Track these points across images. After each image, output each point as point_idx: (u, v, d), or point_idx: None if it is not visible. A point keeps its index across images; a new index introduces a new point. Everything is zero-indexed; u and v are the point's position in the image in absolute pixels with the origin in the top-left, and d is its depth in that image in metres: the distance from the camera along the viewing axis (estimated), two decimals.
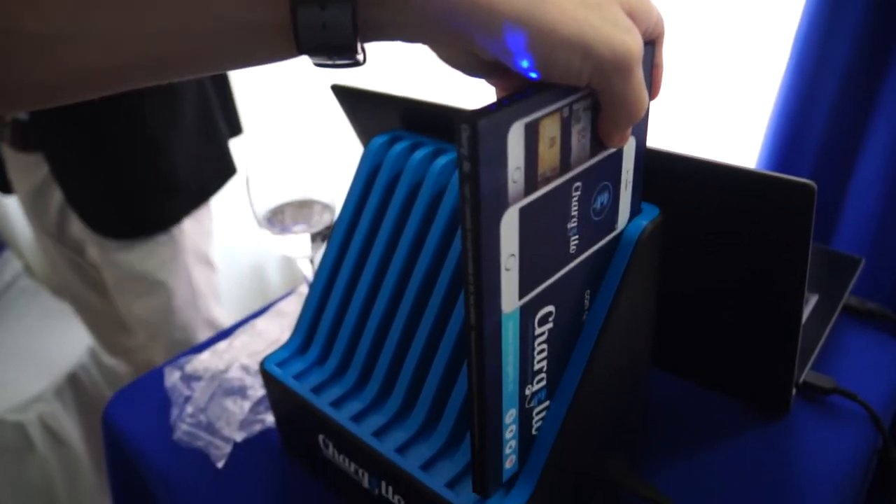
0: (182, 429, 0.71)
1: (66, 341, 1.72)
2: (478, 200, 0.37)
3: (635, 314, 0.53)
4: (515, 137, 0.38)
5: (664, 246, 0.53)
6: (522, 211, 0.40)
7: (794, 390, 0.68)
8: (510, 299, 0.43)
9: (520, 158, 0.39)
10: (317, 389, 0.63)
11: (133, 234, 1.22)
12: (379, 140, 0.67)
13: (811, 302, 0.78)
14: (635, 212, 0.51)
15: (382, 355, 0.61)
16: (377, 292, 0.63)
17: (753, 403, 0.71)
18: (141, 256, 1.24)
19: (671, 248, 0.55)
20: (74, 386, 1.71)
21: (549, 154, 0.41)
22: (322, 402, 0.61)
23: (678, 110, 1.37)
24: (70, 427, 1.67)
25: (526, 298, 0.44)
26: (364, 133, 0.76)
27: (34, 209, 1.27)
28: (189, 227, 1.28)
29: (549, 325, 0.47)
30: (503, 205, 0.39)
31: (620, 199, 0.49)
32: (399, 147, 0.65)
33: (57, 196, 1.22)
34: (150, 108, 1.15)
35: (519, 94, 0.38)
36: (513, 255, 0.41)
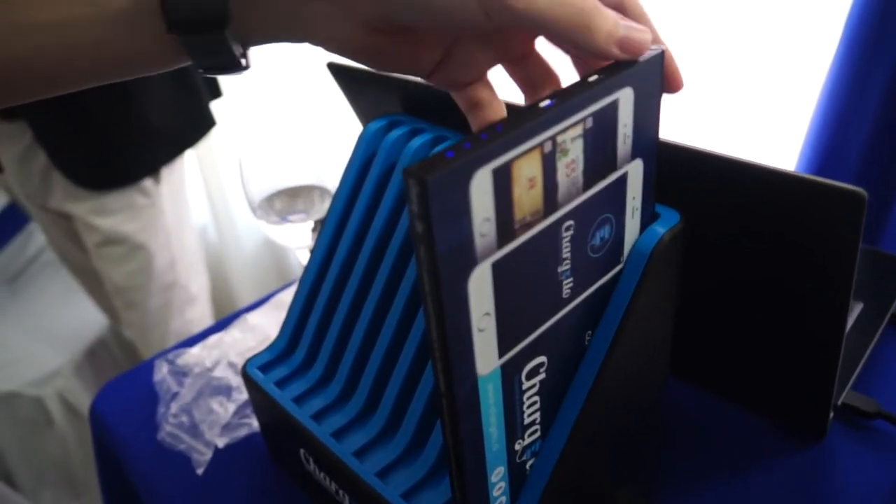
0: (166, 429, 0.67)
1: (86, 316, 1.72)
2: (435, 264, 0.31)
3: (647, 337, 0.47)
4: (481, 186, 0.31)
5: (685, 255, 0.45)
6: (497, 266, 0.34)
7: (831, 413, 0.61)
8: (487, 360, 0.36)
9: (488, 209, 0.32)
10: (299, 399, 0.58)
11: (113, 184, 1.22)
12: (374, 125, 0.60)
13: (854, 311, 0.69)
14: (648, 219, 0.43)
15: (369, 365, 0.56)
16: (366, 294, 0.57)
17: (786, 424, 0.64)
18: (122, 219, 1.25)
19: (694, 252, 0.47)
20: (93, 361, 1.71)
21: (528, 197, 0.34)
22: (303, 415, 0.56)
23: (713, 108, 1.28)
24: (88, 402, 1.67)
25: (508, 356, 0.38)
26: (364, 114, 0.70)
27: (19, 177, 1.28)
28: (168, 190, 1.30)
29: (541, 377, 0.41)
30: (470, 262, 0.32)
31: (626, 228, 0.41)
32: (396, 134, 0.58)
33: (40, 161, 1.22)
34: None
35: (484, 134, 0.31)
36: (487, 314, 0.35)
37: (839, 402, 0.63)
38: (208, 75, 0.40)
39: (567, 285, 0.39)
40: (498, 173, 0.31)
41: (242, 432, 0.66)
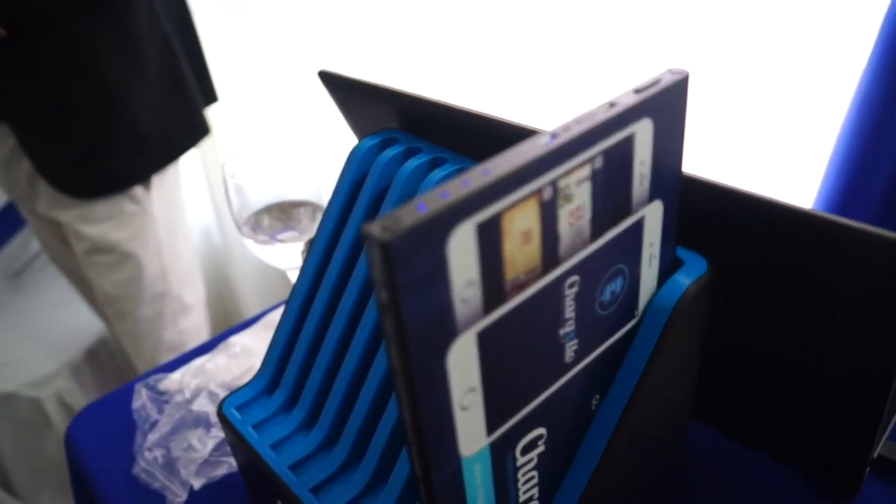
0: (141, 464, 0.62)
1: (87, 317, 1.67)
2: (403, 339, 0.25)
3: (666, 397, 0.41)
4: (461, 245, 0.25)
5: (711, 306, 0.39)
6: (483, 335, 0.28)
7: (867, 467, 0.54)
8: (473, 440, 0.31)
9: (472, 270, 0.26)
10: (278, 445, 0.53)
11: (99, 192, 1.17)
12: (367, 143, 0.55)
13: None
14: (668, 267, 0.37)
15: (356, 410, 0.50)
16: (354, 332, 0.52)
17: (816, 478, 0.57)
18: (111, 227, 1.21)
19: (719, 296, 0.41)
20: (93, 363, 1.67)
21: (522, 253, 0.28)
22: (281, 464, 0.51)
23: (728, 140, 1.22)
24: (86, 404, 1.64)
25: (499, 432, 0.32)
26: (358, 127, 0.64)
27: (5, 181, 1.23)
28: (159, 197, 1.24)
29: (540, 450, 0.35)
30: (448, 334, 0.27)
31: (642, 279, 0.36)
32: (390, 154, 0.53)
33: (25, 166, 1.17)
34: (108, 60, 1.10)
35: (467, 180, 0.25)
36: (472, 389, 0.29)
37: (875, 455, 0.57)
38: None
39: (571, 348, 0.33)
40: (484, 228, 0.26)
41: (221, 471, 0.61)
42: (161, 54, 1.18)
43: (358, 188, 0.54)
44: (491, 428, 0.31)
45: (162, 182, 1.24)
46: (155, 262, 1.27)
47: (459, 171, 0.49)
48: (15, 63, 1.04)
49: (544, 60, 1.37)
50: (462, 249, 0.25)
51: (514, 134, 0.46)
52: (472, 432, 0.30)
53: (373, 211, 0.52)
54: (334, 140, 1.48)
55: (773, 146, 1.24)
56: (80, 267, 1.31)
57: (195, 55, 1.29)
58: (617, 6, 1.27)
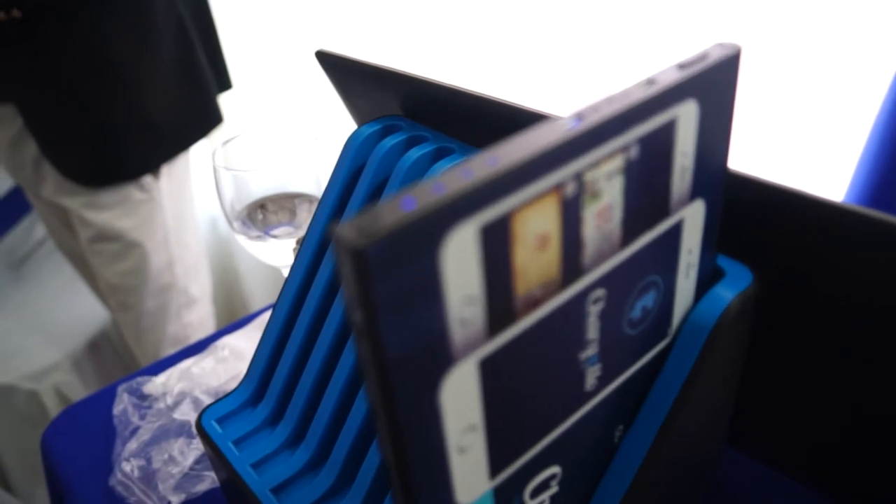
0: (118, 476, 0.57)
1: (90, 307, 1.63)
2: (383, 369, 0.20)
3: (701, 427, 0.35)
4: (461, 252, 0.20)
5: (755, 322, 0.34)
6: (487, 363, 0.23)
7: None
8: (472, 486, 0.25)
9: (473, 283, 0.21)
10: (260, 464, 0.48)
11: (108, 180, 1.13)
12: (366, 130, 0.50)
13: None
14: (707, 278, 0.32)
15: (346, 428, 0.45)
16: (346, 340, 0.46)
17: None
18: (118, 214, 1.16)
19: (759, 309, 0.36)
20: (94, 355, 1.62)
21: (537, 262, 0.22)
22: (262, 487, 0.46)
23: (757, 130, 1.16)
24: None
25: (504, 475, 0.27)
26: (358, 113, 0.58)
27: (11, 164, 1.19)
28: (167, 186, 1.20)
29: (553, 491, 0.30)
30: (442, 363, 0.21)
31: (677, 292, 0.30)
32: (391, 142, 0.47)
33: (31, 149, 1.12)
34: (121, 46, 1.06)
35: (468, 170, 0.19)
36: (472, 427, 0.24)
37: None
38: None
39: (593, 374, 0.28)
40: (489, 232, 0.20)
41: (202, 486, 0.56)
42: (176, 41, 1.14)
43: (355, 179, 0.49)
44: (495, 470, 0.26)
45: (172, 170, 1.19)
46: (161, 253, 1.23)
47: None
48: (25, 44, 1.00)
49: (562, 42, 1.31)
50: (461, 258, 0.20)
51: (530, 121, 0.41)
52: (471, 477, 0.25)
53: (370, 205, 0.47)
54: (336, 128, 1.43)
55: (800, 141, 1.18)
56: (84, 254, 1.27)
57: (210, 41, 1.24)
58: None
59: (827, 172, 1.19)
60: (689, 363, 0.31)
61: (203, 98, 1.20)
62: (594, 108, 0.23)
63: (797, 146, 1.18)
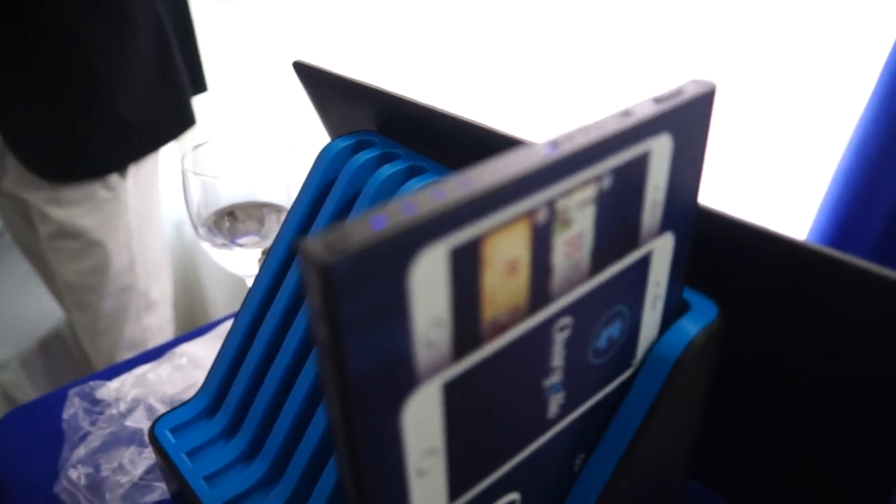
0: (63, 483, 0.56)
1: (43, 307, 1.58)
2: (345, 388, 0.19)
3: (661, 457, 0.35)
4: (429, 274, 0.19)
5: (720, 356, 0.34)
6: (451, 386, 0.22)
7: None
8: None
9: (441, 306, 0.20)
10: (213, 477, 0.47)
11: (71, 176, 1.10)
12: (338, 144, 0.49)
13: None
14: (673, 310, 0.32)
15: (304, 443, 0.44)
16: (308, 355, 0.46)
17: None
18: (80, 211, 1.13)
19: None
20: (45, 356, 1.58)
21: (506, 288, 0.22)
22: (214, 501, 0.45)
23: (718, 168, 1.18)
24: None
25: (462, 501, 0.26)
26: (332, 126, 0.58)
27: None
28: (134, 185, 1.18)
29: None
30: (406, 384, 0.21)
31: (643, 323, 0.30)
32: (363, 157, 0.47)
33: None
34: (98, 42, 1.04)
35: (440, 191, 0.19)
36: (433, 451, 0.23)
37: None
38: None
39: (556, 402, 0.28)
40: (459, 255, 0.20)
41: (151, 497, 0.55)
42: (153, 40, 1.13)
43: (326, 192, 0.48)
44: (453, 496, 0.26)
45: (139, 170, 1.17)
46: (123, 254, 1.20)
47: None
48: None
49: (541, 67, 1.32)
50: (429, 280, 0.20)
51: (504, 145, 0.41)
52: (429, 502, 0.25)
53: (339, 220, 0.47)
54: (307, 139, 1.42)
55: (765, 178, 1.20)
56: (43, 251, 1.24)
57: (188, 42, 1.23)
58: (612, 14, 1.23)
59: (792, 208, 1.21)
60: (652, 394, 0.31)
61: (177, 99, 1.18)
62: (569, 136, 0.23)
63: (762, 182, 1.20)
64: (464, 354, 0.22)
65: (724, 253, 0.35)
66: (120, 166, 1.13)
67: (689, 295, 0.33)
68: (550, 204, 0.22)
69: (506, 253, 0.22)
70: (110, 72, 1.07)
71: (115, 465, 0.56)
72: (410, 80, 1.43)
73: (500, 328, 0.23)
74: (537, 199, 0.22)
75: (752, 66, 1.12)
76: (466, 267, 0.21)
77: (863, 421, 0.42)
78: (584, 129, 0.23)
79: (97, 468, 0.56)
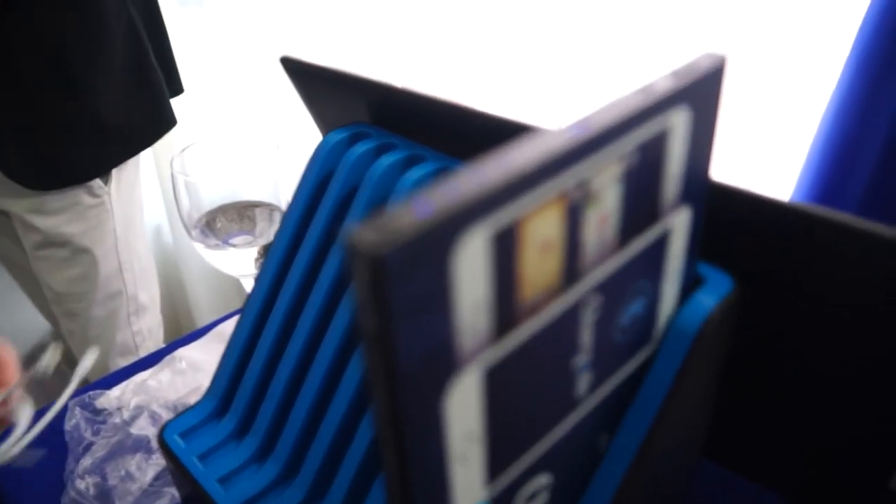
0: (71, 494, 0.55)
1: (27, 319, 1.56)
2: (396, 378, 0.19)
3: (682, 433, 0.35)
4: (471, 256, 0.19)
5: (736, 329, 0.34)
6: (490, 370, 0.22)
7: None
8: (469, 494, 0.25)
9: (481, 289, 0.20)
10: (227, 479, 0.46)
11: (55, 184, 1.09)
12: (334, 137, 0.49)
13: None
14: (688, 285, 0.32)
15: (317, 441, 0.44)
16: (316, 351, 0.46)
17: None
18: (65, 219, 1.12)
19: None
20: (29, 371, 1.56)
21: (541, 268, 0.22)
22: (230, 502, 0.45)
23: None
24: None
25: (499, 484, 0.26)
26: (324, 122, 0.58)
27: None
28: (117, 190, 1.17)
29: (544, 499, 0.30)
30: (448, 370, 0.21)
31: (662, 297, 0.30)
32: (360, 149, 0.47)
33: None
34: (74, 46, 1.03)
35: (481, 175, 0.19)
36: (472, 436, 0.23)
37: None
38: None
39: (584, 382, 0.28)
40: (498, 235, 0.20)
41: (162, 503, 0.54)
42: (127, 43, 1.11)
43: (323, 188, 0.48)
44: (490, 478, 0.26)
45: (121, 175, 1.16)
46: (111, 259, 1.19)
47: (440, 170, 0.43)
48: None
49: (531, 49, 1.32)
50: (471, 262, 0.20)
51: (501, 129, 0.41)
52: (468, 486, 0.25)
53: (339, 213, 0.47)
54: (295, 137, 1.42)
55: (748, 142, 1.21)
56: (28, 262, 1.22)
57: (161, 45, 1.22)
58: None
59: (773, 172, 1.22)
60: (674, 370, 0.31)
61: (155, 101, 1.17)
62: (598, 111, 0.23)
63: (744, 146, 1.21)
64: (502, 337, 0.22)
65: (730, 224, 0.36)
66: (101, 172, 1.12)
67: (703, 269, 0.33)
68: (583, 182, 0.22)
69: (542, 231, 0.22)
70: (87, 77, 1.06)
71: (123, 473, 0.55)
72: (395, 71, 1.42)
73: (535, 309, 0.23)
74: (570, 176, 0.22)
75: (728, 32, 1.13)
76: (505, 249, 0.21)
77: (869, 396, 0.42)
78: (611, 105, 0.23)
79: (104, 477, 0.56)
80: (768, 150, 1.21)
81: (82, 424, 0.61)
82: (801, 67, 1.12)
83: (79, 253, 1.16)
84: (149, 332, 1.32)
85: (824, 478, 0.51)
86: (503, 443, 0.25)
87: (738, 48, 1.13)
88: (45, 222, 1.12)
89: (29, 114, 1.04)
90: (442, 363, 0.21)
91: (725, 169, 1.22)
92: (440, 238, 0.18)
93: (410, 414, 0.20)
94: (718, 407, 0.42)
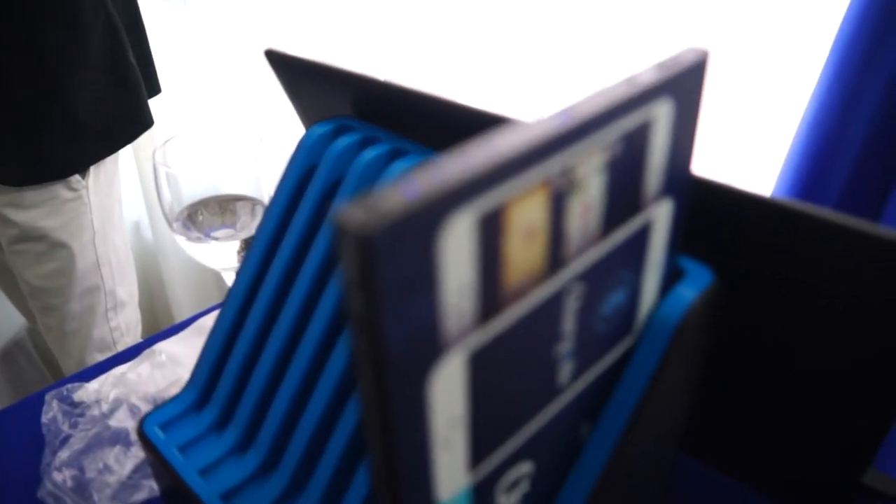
0: (47, 487, 0.55)
1: (2, 313, 1.55)
2: (383, 360, 0.19)
3: (662, 425, 0.36)
4: (457, 239, 0.20)
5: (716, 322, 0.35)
6: (474, 354, 0.22)
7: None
8: (452, 481, 0.25)
9: (466, 272, 0.21)
10: (207, 471, 0.46)
11: (31, 180, 1.09)
12: (317, 130, 0.49)
13: None
14: (669, 277, 0.33)
15: (298, 432, 0.44)
16: (298, 342, 0.46)
17: (792, 502, 0.53)
18: (43, 213, 1.12)
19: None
20: (6, 366, 1.55)
21: (525, 254, 0.23)
22: (211, 493, 0.45)
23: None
24: None
25: (482, 470, 0.27)
26: (307, 115, 0.58)
27: None
28: (95, 185, 1.17)
29: (526, 487, 0.30)
30: (434, 353, 0.21)
31: (644, 290, 0.31)
32: (344, 142, 0.47)
33: None
34: (52, 44, 1.02)
35: (468, 159, 0.19)
36: (457, 420, 0.23)
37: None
38: None
39: (566, 370, 0.28)
40: (484, 219, 0.20)
41: (141, 495, 0.54)
42: (105, 39, 1.11)
43: (306, 181, 0.48)
44: (474, 464, 0.26)
45: (100, 169, 1.16)
46: (88, 254, 1.19)
47: (424, 163, 0.44)
48: None
49: (516, 43, 1.32)
50: (457, 245, 0.20)
51: (485, 123, 0.41)
52: (451, 472, 0.25)
53: (322, 206, 0.47)
54: (279, 130, 1.41)
55: (730, 137, 1.22)
56: (4, 256, 1.21)
57: (140, 44, 1.22)
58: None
59: (754, 169, 1.23)
60: (655, 360, 0.31)
61: (132, 100, 1.17)
62: (581, 102, 0.23)
63: (726, 144, 1.22)
64: (486, 322, 0.23)
65: (710, 219, 0.36)
66: (78, 169, 1.12)
67: (684, 262, 0.34)
68: (568, 169, 0.22)
69: (526, 218, 0.22)
70: (65, 73, 1.05)
71: (101, 465, 0.55)
72: (379, 64, 1.42)
73: (520, 294, 0.23)
74: (556, 164, 0.22)
75: (714, 26, 1.14)
76: (491, 232, 0.21)
77: (847, 391, 0.43)
78: (595, 95, 0.23)
79: (82, 470, 0.55)
80: (750, 148, 1.22)
81: (59, 417, 0.61)
82: (782, 67, 1.13)
83: (56, 247, 1.16)
84: (127, 327, 1.31)
85: (805, 475, 0.52)
86: (486, 429, 0.25)
87: (722, 47, 1.14)
88: (21, 216, 1.12)
89: (6, 110, 1.03)
90: (428, 346, 0.21)
91: (709, 164, 1.24)
92: (427, 219, 0.18)
93: (396, 397, 0.21)
94: (702, 404, 0.43)
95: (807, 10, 1.08)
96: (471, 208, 0.20)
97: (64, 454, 0.57)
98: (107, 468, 0.55)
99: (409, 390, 0.21)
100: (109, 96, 1.12)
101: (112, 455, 0.56)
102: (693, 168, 0.31)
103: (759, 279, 0.39)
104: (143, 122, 1.20)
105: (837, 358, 0.41)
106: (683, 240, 0.33)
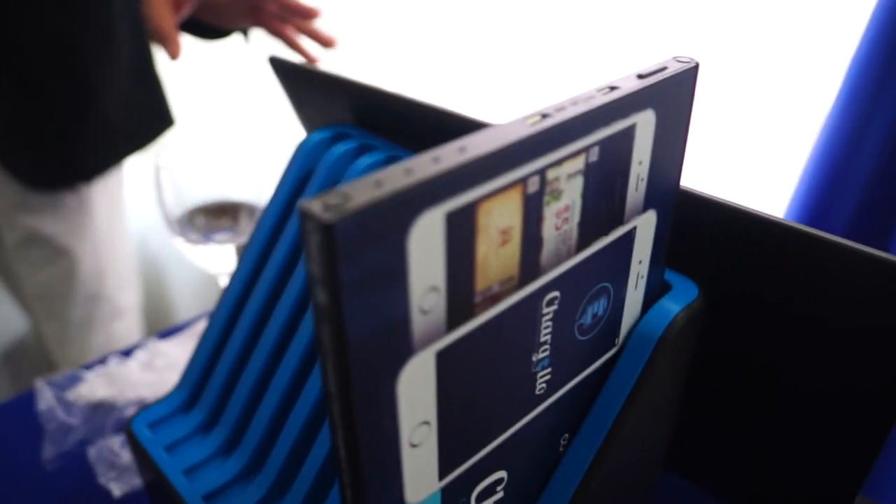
0: (102, 452, 0.55)
1: (6, 315, 1.55)
2: (344, 355, 0.19)
3: (644, 440, 0.35)
4: (427, 237, 0.20)
5: (700, 336, 0.35)
6: (444, 356, 0.22)
7: None
8: (422, 485, 0.25)
9: (436, 273, 0.21)
10: (192, 471, 0.46)
11: (61, 182, 1.08)
12: (316, 137, 0.49)
13: None
14: (655, 291, 0.33)
15: (283, 436, 0.44)
16: (286, 347, 0.46)
17: None
18: (47, 218, 1.11)
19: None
20: (9, 366, 1.55)
21: (498, 257, 0.22)
22: (194, 494, 0.45)
23: (700, 144, 1.20)
24: None
25: (453, 476, 0.26)
26: (309, 121, 0.58)
27: None
28: (101, 191, 1.15)
29: (498, 496, 0.30)
30: (402, 352, 0.21)
31: (626, 301, 0.30)
32: (341, 149, 0.47)
33: None
34: (83, 44, 1.01)
35: (438, 157, 0.19)
36: (426, 422, 0.23)
37: None
38: None
39: (543, 378, 0.28)
40: (454, 219, 0.20)
41: (141, 481, 0.55)
42: (131, 41, 1.10)
43: (303, 186, 0.48)
44: (444, 470, 0.26)
45: (105, 175, 1.16)
46: (91, 261, 1.18)
47: None
48: None
49: (516, 54, 1.33)
50: (426, 244, 0.20)
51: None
52: (421, 475, 0.25)
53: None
54: (281, 137, 1.42)
55: (743, 155, 1.22)
56: (8, 259, 1.22)
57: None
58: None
59: (769, 186, 1.23)
60: (636, 373, 0.31)
61: (156, 99, 1.17)
62: (559, 107, 0.23)
63: (740, 161, 1.22)
64: (457, 324, 0.22)
65: (703, 234, 0.36)
66: (106, 169, 1.11)
67: (670, 276, 0.34)
68: (542, 173, 0.22)
69: (499, 221, 0.22)
70: (96, 72, 1.04)
71: (105, 450, 0.56)
72: (383, 73, 1.43)
73: (492, 298, 0.23)
74: (529, 168, 0.22)
75: (729, 46, 1.14)
76: (461, 233, 0.21)
77: (838, 414, 0.43)
78: (573, 101, 0.23)
79: (85, 455, 0.56)
80: (762, 171, 1.22)
81: (55, 406, 0.61)
82: (794, 96, 1.13)
83: (59, 253, 1.15)
84: (126, 337, 1.31)
85: (793, 499, 0.51)
86: (458, 434, 0.25)
87: (736, 74, 1.14)
88: (26, 220, 1.12)
89: (37, 111, 1.03)
90: (394, 344, 0.21)
91: (717, 183, 1.24)
92: (393, 213, 0.18)
93: (360, 393, 0.21)
94: (685, 423, 0.43)
95: (820, 38, 1.08)
96: (439, 207, 0.20)
97: (68, 439, 0.58)
98: (112, 452, 0.56)
99: (373, 387, 0.21)
100: (136, 97, 1.12)
101: (116, 442, 0.56)
102: (698, 185, 0.31)
103: (756, 299, 0.39)
104: (166, 121, 1.19)
105: (830, 379, 0.41)
106: (677, 255, 0.33)
